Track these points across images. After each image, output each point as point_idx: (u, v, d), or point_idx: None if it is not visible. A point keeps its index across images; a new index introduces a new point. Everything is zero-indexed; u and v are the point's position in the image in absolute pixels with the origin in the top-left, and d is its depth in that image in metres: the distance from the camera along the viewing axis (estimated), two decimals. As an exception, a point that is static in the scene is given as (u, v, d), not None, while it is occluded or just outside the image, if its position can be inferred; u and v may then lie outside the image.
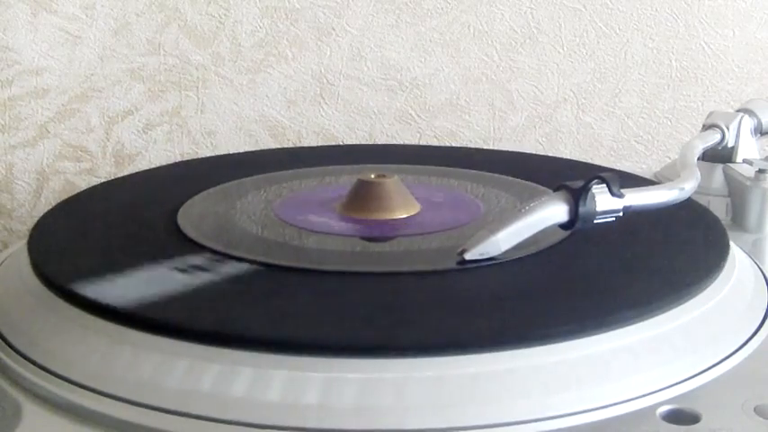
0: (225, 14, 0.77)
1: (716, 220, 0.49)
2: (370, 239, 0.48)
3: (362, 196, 0.50)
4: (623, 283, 0.41)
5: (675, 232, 0.47)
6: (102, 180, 0.71)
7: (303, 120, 0.79)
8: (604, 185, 0.42)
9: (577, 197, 0.42)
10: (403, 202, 0.50)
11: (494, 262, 0.42)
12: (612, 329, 0.37)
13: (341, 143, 0.80)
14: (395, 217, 0.49)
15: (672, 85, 0.81)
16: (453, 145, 0.80)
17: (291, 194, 0.54)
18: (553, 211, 0.42)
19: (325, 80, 0.79)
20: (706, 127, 0.60)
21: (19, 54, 0.74)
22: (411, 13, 0.78)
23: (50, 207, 0.52)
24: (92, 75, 0.76)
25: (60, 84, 0.75)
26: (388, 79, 0.79)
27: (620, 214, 0.43)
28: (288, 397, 0.33)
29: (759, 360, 0.38)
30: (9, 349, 0.38)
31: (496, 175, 0.58)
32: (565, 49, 0.80)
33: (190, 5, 0.76)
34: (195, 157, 0.75)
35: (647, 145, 0.82)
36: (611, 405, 0.34)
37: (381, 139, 0.80)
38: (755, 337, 0.40)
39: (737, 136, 0.59)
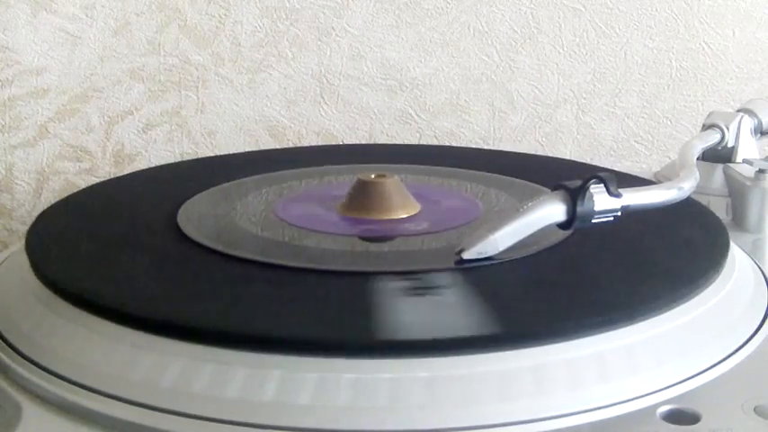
0: (225, 14, 0.77)
1: (716, 219, 0.49)
2: (370, 239, 0.48)
3: (362, 196, 0.50)
4: (623, 283, 0.41)
5: (675, 232, 0.47)
6: (102, 180, 0.71)
7: (303, 120, 0.79)
8: (602, 185, 0.42)
9: (575, 196, 0.42)
10: (403, 202, 0.50)
11: (492, 262, 0.42)
12: (612, 329, 0.36)
13: (341, 143, 0.80)
14: (395, 217, 0.49)
15: (672, 85, 0.81)
16: (453, 145, 0.80)
17: (291, 194, 0.54)
18: (551, 211, 0.42)
19: (325, 80, 0.79)
20: (706, 127, 0.60)
21: (19, 54, 0.74)
22: (411, 13, 0.78)
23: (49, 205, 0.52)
24: (92, 75, 0.76)
25: (60, 84, 0.75)
26: (388, 79, 0.79)
27: (619, 214, 0.43)
28: (284, 396, 0.33)
29: (759, 360, 0.38)
30: (9, 349, 0.38)
31: (496, 175, 0.58)
32: (565, 49, 0.80)
33: (190, 5, 0.76)
34: (195, 157, 0.76)
35: (647, 145, 0.82)
36: (611, 405, 0.34)
37: (381, 139, 0.80)
38: (755, 337, 0.40)
39: (737, 136, 0.59)
